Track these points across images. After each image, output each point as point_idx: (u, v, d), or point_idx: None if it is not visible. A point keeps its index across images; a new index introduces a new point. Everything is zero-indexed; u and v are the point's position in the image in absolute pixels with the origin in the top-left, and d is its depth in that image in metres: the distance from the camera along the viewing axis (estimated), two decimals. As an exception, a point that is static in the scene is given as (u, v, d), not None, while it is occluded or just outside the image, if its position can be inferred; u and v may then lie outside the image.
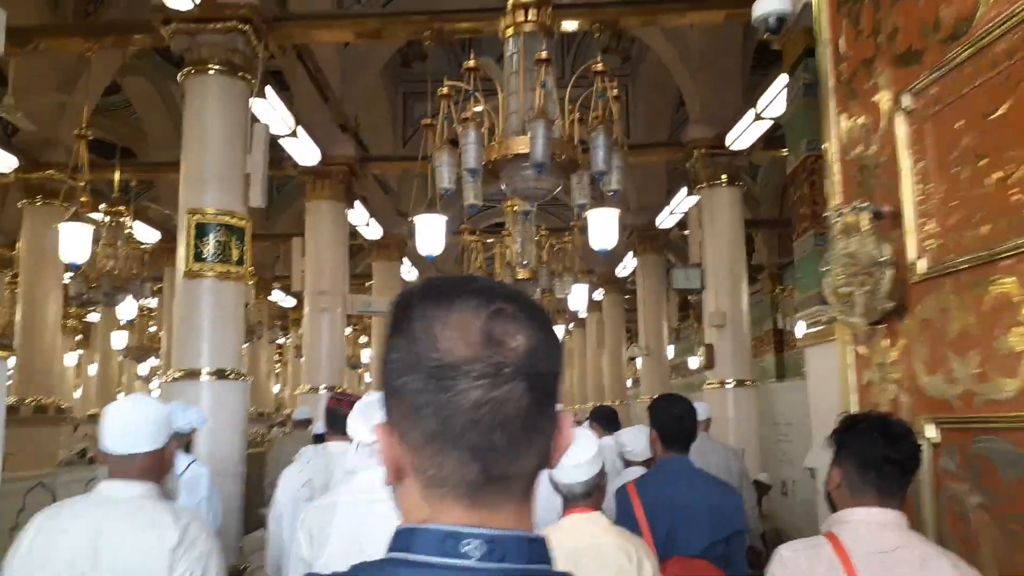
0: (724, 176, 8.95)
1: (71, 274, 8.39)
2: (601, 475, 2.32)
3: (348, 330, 18.98)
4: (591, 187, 4.54)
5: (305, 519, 2.21)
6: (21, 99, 9.07)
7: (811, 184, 5.98)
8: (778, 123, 7.81)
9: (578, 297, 8.85)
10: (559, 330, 15.49)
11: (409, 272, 14.67)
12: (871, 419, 1.86)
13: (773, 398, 9.15)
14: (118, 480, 1.96)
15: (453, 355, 0.65)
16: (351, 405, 2.32)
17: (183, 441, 3.77)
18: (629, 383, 19.36)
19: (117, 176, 8.43)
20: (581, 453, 2.25)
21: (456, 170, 4.19)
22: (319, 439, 4.96)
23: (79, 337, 19.60)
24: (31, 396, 8.85)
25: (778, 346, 16.42)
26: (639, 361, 21.04)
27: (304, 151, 8.31)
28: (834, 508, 1.85)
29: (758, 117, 7.83)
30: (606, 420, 4.80)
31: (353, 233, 12.47)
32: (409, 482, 0.70)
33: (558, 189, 4.24)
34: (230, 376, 5.71)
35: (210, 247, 5.70)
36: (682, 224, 12.46)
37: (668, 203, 11.34)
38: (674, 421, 2.86)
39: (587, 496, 2.26)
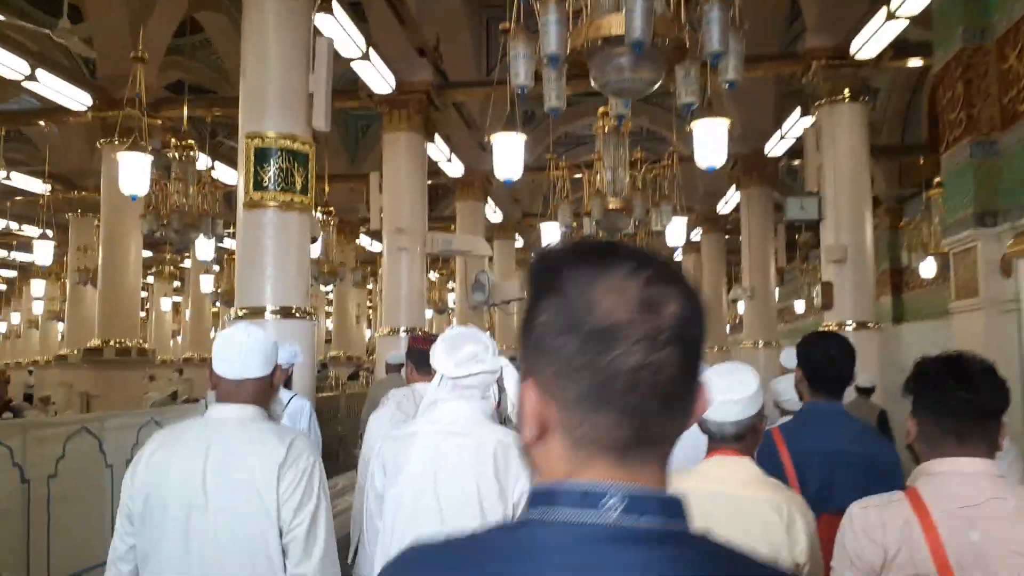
0: (846, 91, 7.85)
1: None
2: (759, 416, 2.04)
3: (434, 275, 18.68)
4: (700, 86, 3.74)
5: (382, 450, 2.23)
6: (95, 34, 8.99)
7: (966, 83, 4.97)
8: (915, 21, 6.69)
9: (676, 231, 7.99)
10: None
11: (494, 213, 14.07)
12: (941, 361, 1.72)
13: (899, 342, 8.16)
14: (228, 403, 2.04)
15: (613, 319, 0.65)
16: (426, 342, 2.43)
17: (285, 375, 3.90)
18: (728, 329, 18.38)
19: (186, 112, 8.09)
20: (740, 387, 1.98)
21: (536, 64, 3.47)
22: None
23: (177, 284, 20.02)
24: (114, 338, 8.79)
25: (896, 287, 15.01)
26: (740, 305, 19.93)
27: (377, 77, 7.71)
28: (918, 460, 1.73)
29: (891, 16, 6.70)
30: None
31: (436, 172, 12.01)
32: (553, 440, 0.69)
33: (658, 83, 3.46)
34: (296, 315, 5.25)
35: (271, 174, 5.19)
36: (794, 153, 11.34)
37: (778, 128, 10.26)
38: (825, 361, 2.57)
39: (738, 439, 1.99)
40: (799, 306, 18.79)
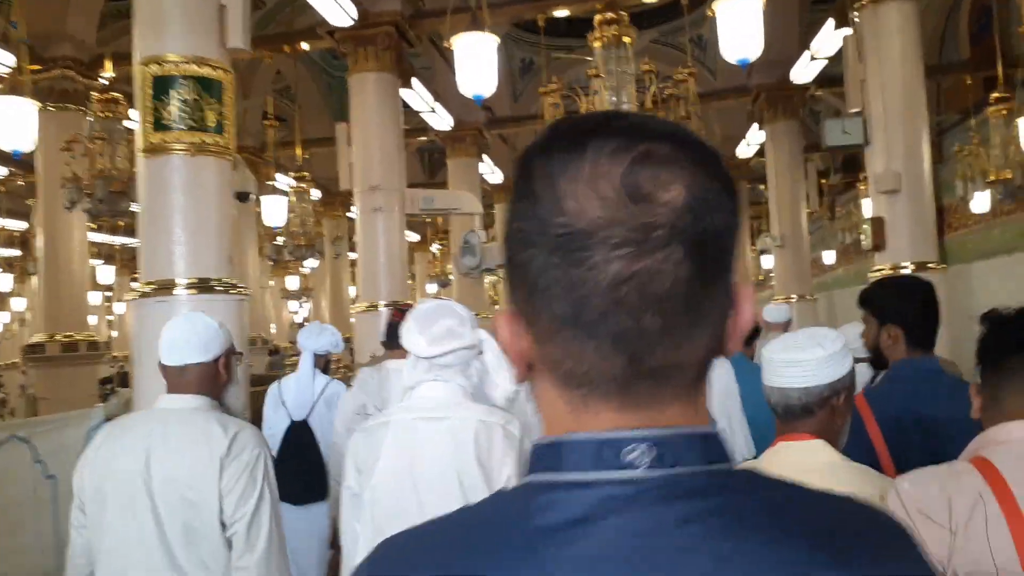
0: (892, -12, 6.54)
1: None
2: (844, 384, 1.58)
3: (435, 248, 17.54)
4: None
5: (353, 444, 2.08)
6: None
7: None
8: None
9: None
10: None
11: (492, 172, 12.84)
12: (1002, 316, 1.50)
13: (969, 284, 6.94)
14: (173, 394, 2.04)
15: (585, 217, 0.50)
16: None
17: (320, 363, 4.08)
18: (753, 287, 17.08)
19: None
20: (808, 344, 1.56)
21: None
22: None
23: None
24: (60, 332, 7.73)
25: (939, 227, 13.66)
26: (766, 260, 18.60)
27: (332, 4, 6.49)
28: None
29: None
30: None
31: (424, 129, 10.85)
32: (545, 380, 0.56)
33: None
34: (216, 288, 4.11)
35: (174, 110, 4.02)
36: (823, 80, 10.01)
37: (804, 50, 8.94)
38: (917, 309, 2.22)
39: (808, 414, 1.55)
40: (828, 257, 17.43)
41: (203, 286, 4.06)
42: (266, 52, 7.77)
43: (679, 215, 0.50)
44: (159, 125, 4.02)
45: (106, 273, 16.79)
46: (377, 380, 3.32)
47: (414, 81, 8.34)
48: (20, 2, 7.93)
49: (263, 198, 8.41)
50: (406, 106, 10.57)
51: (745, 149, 12.57)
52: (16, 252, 15.25)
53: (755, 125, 11.49)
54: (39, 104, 7.74)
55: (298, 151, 9.79)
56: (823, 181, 14.73)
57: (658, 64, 6.13)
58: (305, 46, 8.20)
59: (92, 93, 6.90)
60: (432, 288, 18.66)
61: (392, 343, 3.14)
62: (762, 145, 12.16)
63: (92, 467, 1.99)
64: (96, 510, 1.95)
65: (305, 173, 9.52)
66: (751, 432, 3.15)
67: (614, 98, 5.27)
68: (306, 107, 12.71)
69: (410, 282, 19.89)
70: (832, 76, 10.31)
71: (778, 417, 1.62)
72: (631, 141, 0.52)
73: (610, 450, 0.52)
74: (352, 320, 8.25)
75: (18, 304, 17.54)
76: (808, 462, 1.51)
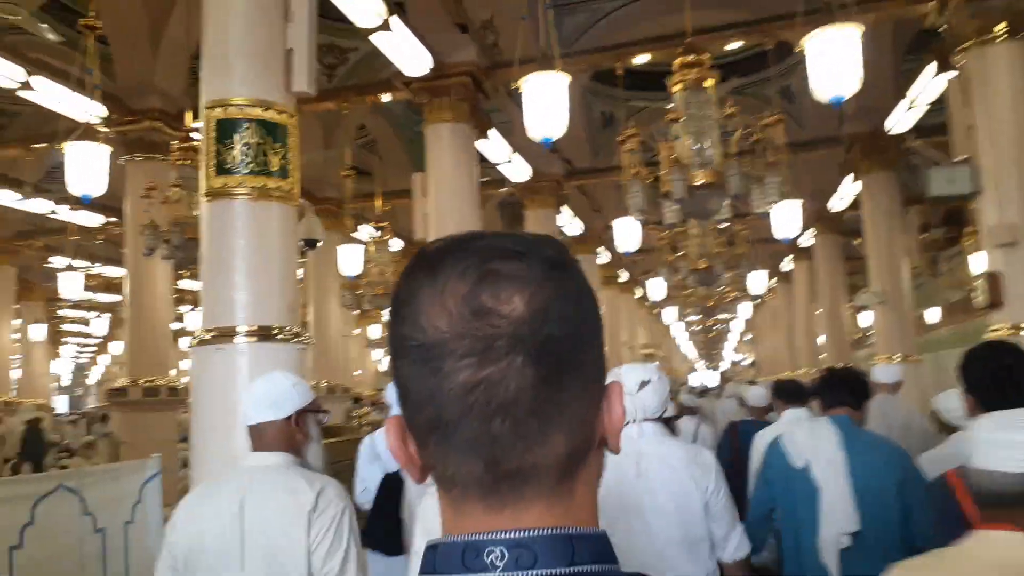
0: (1001, 26, 6.06)
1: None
2: None
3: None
4: None
5: (423, 510, 2.10)
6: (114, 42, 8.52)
7: None
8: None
9: (787, 216, 6.33)
10: (760, 278, 12.84)
11: (571, 223, 12.63)
12: None
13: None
14: (255, 452, 2.09)
15: (435, 331, 0.56)
16: None
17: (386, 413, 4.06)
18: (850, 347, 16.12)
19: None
20: None
21: None
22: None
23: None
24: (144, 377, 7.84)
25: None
26: (863, 317, 17.60)
27: (407, 54, 6.47)
28: None
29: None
30: (789, 395, 4.43)
31: (500, 181, 10.79)
32: (434, 484, 0.61)
33: None
34: (278, 336, 3.96)
35: (238, 153, 3.96)
36: (922, 130, 9.45)
37: (900, 98, 8.45)
38: (989, 373, 2.18)
39: (1019, 504, 1.34)
40: (932, 315, 16.35)
41: (264, 334, 3.92)
42: (344, 103, 7.80)
43: (518, 326, 0.54)
44: (222, 169, 3.95)
45: (194, 319, 17.33)
46: None
47: (491, 132, 8.23)
48: (112, 54, 8.32)
49: (340, 248, 8.43)
50: (485, 160, 10.65)
51: (838, 202, 11.97)
52: (117, 297, 15.91)
53: (849, 177, 10.95)
54: (129, 156, 8.08)
55: (378, 202, 9.84)
56: (922, 236, 13.91)
57: (742, 115, 5.82)
58: (386, 98, 8.23)
59: (172, 142, 7.04)
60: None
61: None
62: (856, 197, 11.58)
63: (186, 525, 2.03)
64: (191, 569, 1.99)
65: (385, 223, 9.53)
66: (861, 501, 2.69)
67: (697, 145, 4.96)
68: (389, 160, 12.91)
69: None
70: (929, 126, 9.77)
71: (978, 503, 1.46)
72: (481, 260, 0.56)
73: (472, 553, 0.55)
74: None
75: (116, 348, 18.19)
76: (1013, 557, 1.34)
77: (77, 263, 14.47)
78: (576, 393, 0.57)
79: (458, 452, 0.56)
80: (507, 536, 0.55)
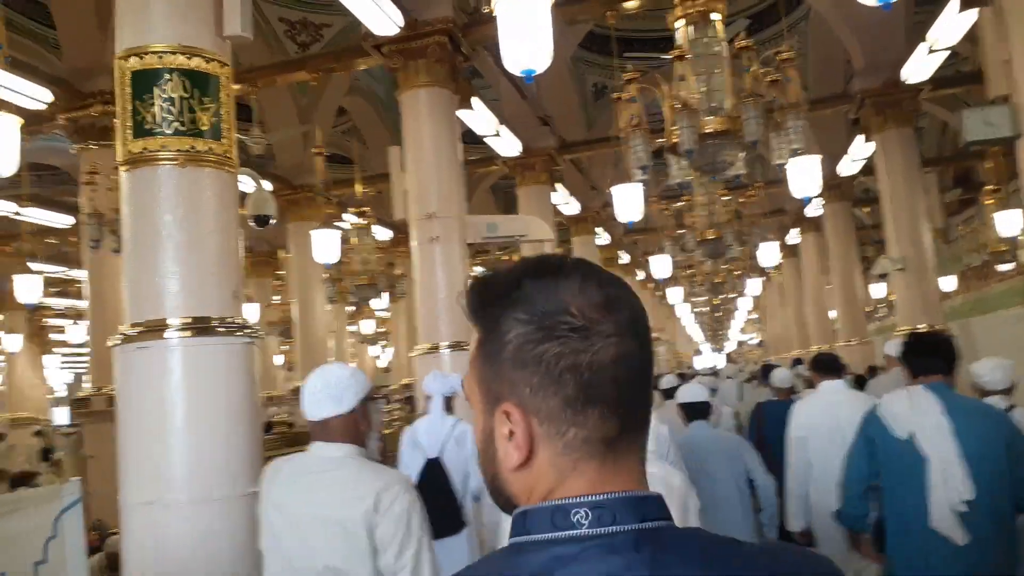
0: (1039, -53, 5.37)
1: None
2: None
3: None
4: None
5: None
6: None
7: None
8: None
9: (806, 171, 5.66)
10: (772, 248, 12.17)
11: (566, 203, 11.96)
12: None
13: None
14: (319, 442, 2.09)
15: (585, 317, 0.69)
16: None
17: (447, 405, 4.28)
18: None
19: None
20: None
21: None
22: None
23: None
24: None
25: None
26: (875, 288, 16.90)
27: (377, 12, 5.79)
28: None
29: None
30: (826, 367, 4.38)
31: (490, 158, 10.14)
32: (537, 459, 0.71)
33: None
34: (218, 329, 3.31)
35: (157, 110, 3.30)
36: (940, 81, 8.78)
37: (917, 44, 7.75)
38: None
39: None
40: (946, 283, 15.65)
41: (201, 327, 3.27)
42: (314, 75, 7.14)
43: (632, 317, 0.72)
44: (141, 130, 3.30)
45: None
46: None
47: (475, 101, 7.55)
48: (59, 36, 7.69)
49: (313, 232, 7.77)
50: (473, 139, 9.99)
51: (849, 165, 11.27)
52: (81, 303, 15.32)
53: (859, 138, 10.27)
54: (82, 143, 7.41)
55: (358, 187, 9.17)
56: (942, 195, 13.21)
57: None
58: (362, 67, 7.56)
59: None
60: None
61: None
62: (868, 160, 10.90)
63: (265, 507, 2.10)
64: (268, 551, 2.08)
65: (365, 208, 8.85)
66: (973, 468, 2.59)
67: (705, 88, 4.30)
68: (374, 146, 12.24)
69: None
70: (941, 78, 9.10)
71: None
72: (591, 270, 0.74)
73: (561, 514, 0.68)
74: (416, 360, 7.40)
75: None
76: None
77: (51, 268, 13.87)
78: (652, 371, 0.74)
79: (602, 414, 0.69)
80: (591, 499, 0.68)
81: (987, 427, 2.64)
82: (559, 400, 0.68)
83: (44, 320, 20.23)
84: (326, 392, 2.06)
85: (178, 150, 3.30)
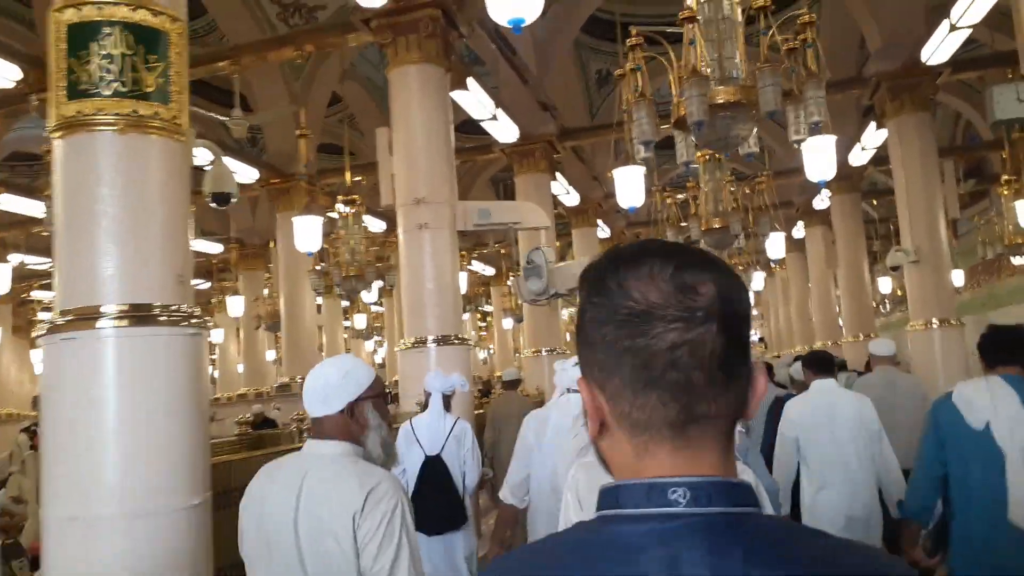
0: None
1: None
2: None
3: (512, 280, 16.33)
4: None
5: (575, 480, 2.24)
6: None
7: None
8: None
9: (822, 152, 5.23)
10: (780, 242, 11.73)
11: (567, 193, 11.53)
12: None
13: None
14: (315, 439, 2.07)
15: (647, 302, 0.70)
16: None
17: (446, 402, 4.36)
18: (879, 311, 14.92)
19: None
20: None
21: None
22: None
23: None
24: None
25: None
26: (884, 283, 16.45)
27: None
28: None
29: None
30: (818, 365, 4.39)
31: (488, 146, 9.72)
32: (615, 432, 0.74)
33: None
34: (160, 318, 2.89)
35: (95, 68, 2.88)
36: (960, 65, 8.35)
37: (938, 24, 7.33)
38: None
39: None
40: (956, 279, 15.21)
41: (140, 315, 2.85)
42: (298, 51, 6.73)
43: (712, 302, 0.71)
44: (76, 92, 2.88)
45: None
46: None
47: (471, 82, 7.12)
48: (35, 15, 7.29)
49: (295, 219, 7.35)
50: (471, 129, 9.53)
51: (859, 154, 10.84)
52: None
53: (871, 125, 9.84)
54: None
55: (347, 175, 8.75)
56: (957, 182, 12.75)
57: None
58: (351, 43, 7.16)
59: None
60: (508, 323, 17.40)
61: None
62: (876, 151, 10.48)
63: (249, 509, 2.03)
64: (255, 554, 2.00)
65: (355, 196, 8.43)
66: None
67: (716, 55, 3.90)
68: (369, 134, 11.83)
69: (472, 316, 18.83)
70: (961, 61, 8.68)
71: None
72: (672, 255, 0.73)
73: (658, 490, 0.70)
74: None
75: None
76: None
77: (37, 260, 13.51)
78: (745, 361, 0.73)
79: (659, 398, 0.70)
80: (689, 479, 0.69)
81: None
82: (618, 381, 0.71)
83: (33, 313, 19.91)
84: (315, 393, 2.06)
85: (118, 114, 2.88)
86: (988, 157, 13.83)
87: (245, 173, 9.49)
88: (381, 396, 2.13)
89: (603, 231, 14.74)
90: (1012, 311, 13.87)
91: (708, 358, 0.68)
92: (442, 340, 5.77)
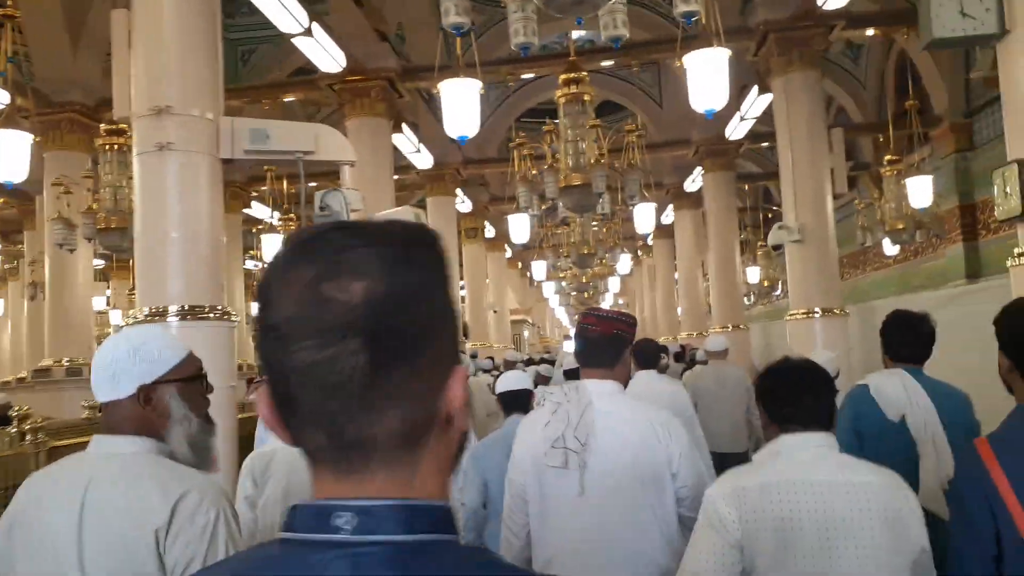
0: None
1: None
2: None
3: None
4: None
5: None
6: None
7: None
8: None
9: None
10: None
11: (416, 151, 10.02)
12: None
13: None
14: (104, 435, 1.63)
15: (281, 314, 0.62)
16: (608, 324, 2.33)
17: None
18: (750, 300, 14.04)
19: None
20: None
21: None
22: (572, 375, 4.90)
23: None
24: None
25: (968, 231, 11.07)
26: (752, 273, 15.78)
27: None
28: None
29: None
30: (644, 358, 4.52)
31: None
32: None
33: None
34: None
35: None
36: (857, 20, 7.38)
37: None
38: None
39: None
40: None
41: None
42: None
43: (354, 314, 0.60)
44: None
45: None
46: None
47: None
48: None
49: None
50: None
51: (738, 125, 9.77)
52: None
53: (754, 90, 8.76)
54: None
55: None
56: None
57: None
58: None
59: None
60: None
61: (591, 361, 2.53)
62: (758, 119, 9.49)
63: (18, 532, 1.55)
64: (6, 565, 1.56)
65: (122, 126, 6.46)
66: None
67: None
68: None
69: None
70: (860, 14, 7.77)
71: None
72: (333, 251, 0.62)
73: (323, 515, 0.62)
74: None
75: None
76: None
77: None
78: (412, 375, 0.62)
79: (304, 424, 0.63)
80: (356, 503, 0.61)
81: (956, 406, 2.79)
82: (275, 398, 0.64)
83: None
84: (100, 371, 1.60)
85: None
86: (858, 143, 13.32)
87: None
88: (192, 380, 1.66)
89: (464, 204, 13.25)
90: (877, 307, 13.51)
91: (347, 379, 0.60)
92: (188, 313, 4.00)
